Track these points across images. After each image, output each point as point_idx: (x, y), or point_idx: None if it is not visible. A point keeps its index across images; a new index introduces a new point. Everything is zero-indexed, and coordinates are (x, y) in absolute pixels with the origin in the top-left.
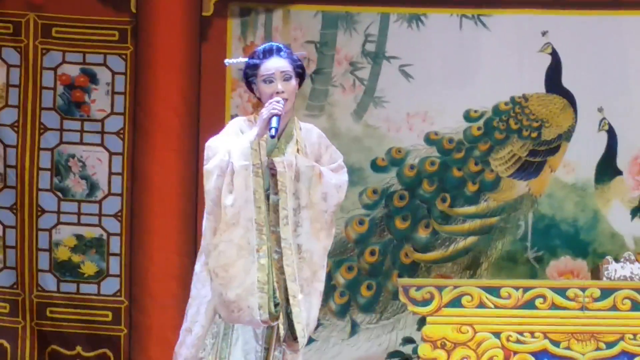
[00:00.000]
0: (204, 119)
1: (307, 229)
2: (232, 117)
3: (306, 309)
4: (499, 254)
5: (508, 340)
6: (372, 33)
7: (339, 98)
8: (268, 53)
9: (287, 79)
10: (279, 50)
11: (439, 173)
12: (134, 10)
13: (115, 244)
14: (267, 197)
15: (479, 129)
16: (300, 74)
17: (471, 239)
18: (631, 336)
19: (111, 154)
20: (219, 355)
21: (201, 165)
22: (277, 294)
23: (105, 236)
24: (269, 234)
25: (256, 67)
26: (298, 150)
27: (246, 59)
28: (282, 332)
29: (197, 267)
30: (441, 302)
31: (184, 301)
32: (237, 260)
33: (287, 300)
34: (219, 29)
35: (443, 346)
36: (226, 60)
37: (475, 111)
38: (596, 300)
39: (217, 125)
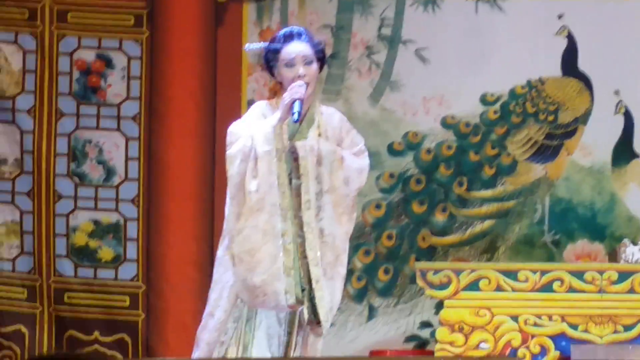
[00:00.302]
0: (220, 103)
1: (330, 213)
2: (249, 102)
3: (329, 292)
4: (516, 238)
5: (526, 323)
6: (388, 17)
7: (355, 82)
8: (289, 37)
9: (308, 63)
10: (299, 34)
11: (455, 157)
12: None
13: (132, 229)
14: (290, 182)
15: (495, 112)
16: (321, 59)
17: (488, 223)
18: None
19: (128, 139)
20: (242, 340)
21: (218, 150)
22: (303, 279)
23: (122, 221)
24: (293, 218)
25: (277, 51)
26: (319, 135)
27: (266, 44)
28: (305, 316)
29: (220, 251)
30: (459, 286)
31: (201, 286)
32: (262, 245)
33: (310, 284)
34: (234, 13)
35: (461, 330)
36: (246, 46)
37: (492, 95)
38: (614, 283)
39: (234, 110)
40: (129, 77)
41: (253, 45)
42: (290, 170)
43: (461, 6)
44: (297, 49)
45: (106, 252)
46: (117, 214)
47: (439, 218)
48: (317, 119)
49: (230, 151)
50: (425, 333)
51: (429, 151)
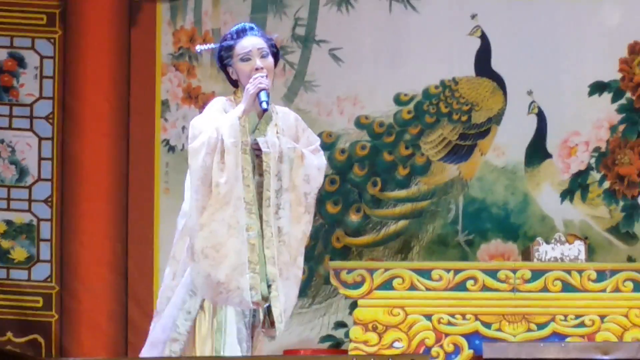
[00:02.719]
0: (134, 103)
1: (288, 212)
2: (163, 102)
3: (284, 293)
4: (430, 238)
5: (439, 322)
6: (301, 17)
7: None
8: (242, 32)
9: (264, 56)
10: (252, 28)
11: (369, 157)
12: None
13: (45, 230)
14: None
15: (409, 112)
16: (275, 54)
17: (402, 223)
18: (562, 317)
19: (41, 138)
20: (214, 347)
21: (132, 150)
22: (268, 276)
23: (35, 222)
24: (258, 213)
25: (231, 48)
26: (277, 132)
27: (215, 45)
28: (260, 316)
29: (175, 251)
30: (372, 285)
31: (116, 286)
32: (227, 239)
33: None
34: (148, 13)
35: (374, 329)
36: (197, 47)
37: (406, 95)
38: (527, 281)
39: (148, 110)
40: (41, 76)
41: (204, 46)
42: (252, 166)
43: (375, 6)
44: (251, 42)
45: (19, 253)
46: (30, 215)
47: (353, 218)
48: (274, 117)
49: (194, 144)
50: (339, 333)
51: (343, 151)
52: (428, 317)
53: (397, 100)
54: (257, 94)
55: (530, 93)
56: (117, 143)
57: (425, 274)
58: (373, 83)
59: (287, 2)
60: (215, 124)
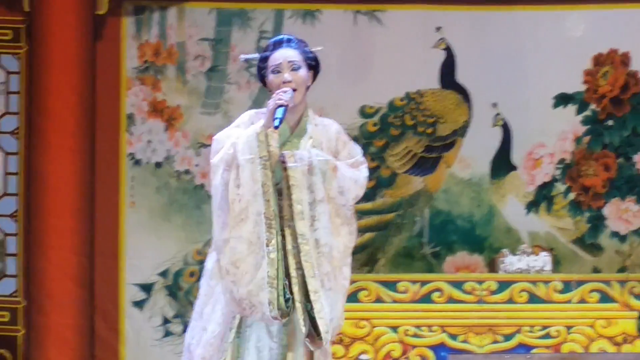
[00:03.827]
0: (99, 117)
1: (325, 223)
2: (128, 115)
3: (329, 304)
4: (395, 250)
5: (406, 334)
6: (266, 30)
7: (234, 95)
8: (278, 44)
9: (295, 69)
10: (289, 40)
11: None
12: (27, 9)
13: (11, 244)
14: (279, 191)
15: (374, 124)
16: (313, 66)
17: (368, 235)
18: (528, 328)
19: (6, 153)
20: (235, 353)
21: (97, 164)
22: (287, 290)
23: (1, 236)
24: (279, 228)
25: (266, 59)
26: (313, 146)
27: (258, 55)
28: (303, 329)
29: (209, 263)
30: None
31: (82, 300)
32: (247, 255)
33: (307, 296)
34: (113, 27)
35: (341, 341)
36: (242, 56)
37: (371, 107)
38: (493, 293)
39: (113, 124)
40: (7, 91)
41: (248, 56)
42: (280, 180)
43: (340, 19)
44: (284, 54)
45: None
46: None
47: None
48: (309, 130)
49: (214, 160)
50: None
51: None
52: (394, 329)
53: (363, 112)
54: (274, 110)
55: (495, 105)
56: (83, 157)
57: (391, 286)
58: (338, 95)
59: (252, 15)
60: (234, 139)
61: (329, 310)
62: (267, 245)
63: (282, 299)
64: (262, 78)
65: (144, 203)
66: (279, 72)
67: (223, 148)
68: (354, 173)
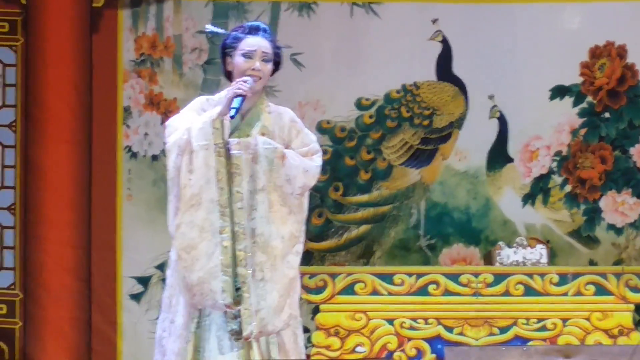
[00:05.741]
0: (96, 110)
1: (264, 212)
2: (125, 108)
3: (258, 294)
4: (392, 242)
5: (402, 326)
6: (263, 22)
7: None
8: (254, 30)
9: (265, 60)
10: (265, 30)
11: (331, 162)
12: (23, 2)
13: (9, 237)
14: (229, 179)
15: (370, 117)
16: (277, 62)
17: (364, 228)
18: (524, 321)
19: (3, 146)
20: (197, 342)
21: (94, 157)
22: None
23: None
24: (231, 215)
25: (238, 40)
26: (263, 134)
27: (225, 31)
28: (230, 318)
29: (172, 254)
30: (334, 290)
31: (79, 293)
32: (200, 242)
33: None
34: (110, 20)
35: (337, 334)
36: (207, 26)
37: (367, 99)
38: (489, 285)
39: (110, 117)
40: (4, 84)
41: (214, 28)
42: (228, 167)
43: (336, 11)
44: (260, 42)
45: None
46: None
47: (315, 223)
48: (262, 118)
49: (167, 144)
50: None
51: None
52: (390, 321)
53: (359, 104)
54: (232, 99)
55: (491, 97)
56: (80, 150)
57: (388, 278)
58: (334, 88)
59: (249, 7)
60: (188, 124)
61: (256, 302)
62: (221, 233)
63: (233, 287)
64: (223, 55)
65: (141, 196)
66: (250, 58)
67: (176, 132)
68: (305, 162)
